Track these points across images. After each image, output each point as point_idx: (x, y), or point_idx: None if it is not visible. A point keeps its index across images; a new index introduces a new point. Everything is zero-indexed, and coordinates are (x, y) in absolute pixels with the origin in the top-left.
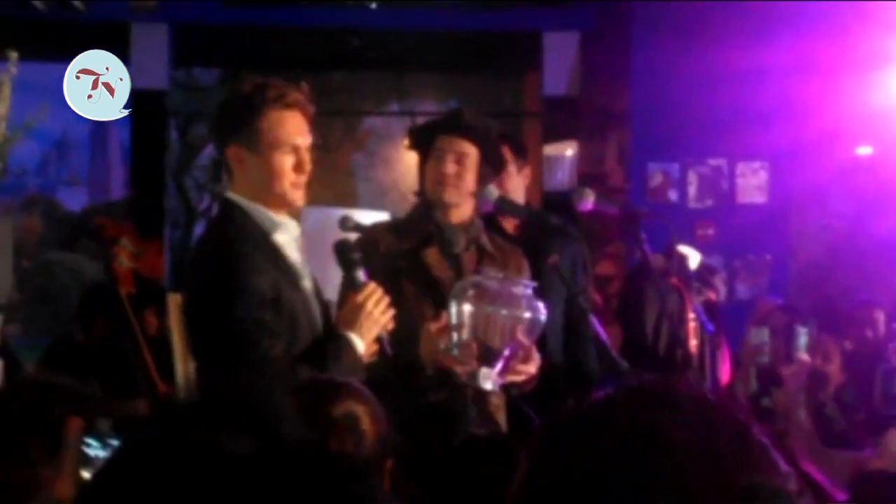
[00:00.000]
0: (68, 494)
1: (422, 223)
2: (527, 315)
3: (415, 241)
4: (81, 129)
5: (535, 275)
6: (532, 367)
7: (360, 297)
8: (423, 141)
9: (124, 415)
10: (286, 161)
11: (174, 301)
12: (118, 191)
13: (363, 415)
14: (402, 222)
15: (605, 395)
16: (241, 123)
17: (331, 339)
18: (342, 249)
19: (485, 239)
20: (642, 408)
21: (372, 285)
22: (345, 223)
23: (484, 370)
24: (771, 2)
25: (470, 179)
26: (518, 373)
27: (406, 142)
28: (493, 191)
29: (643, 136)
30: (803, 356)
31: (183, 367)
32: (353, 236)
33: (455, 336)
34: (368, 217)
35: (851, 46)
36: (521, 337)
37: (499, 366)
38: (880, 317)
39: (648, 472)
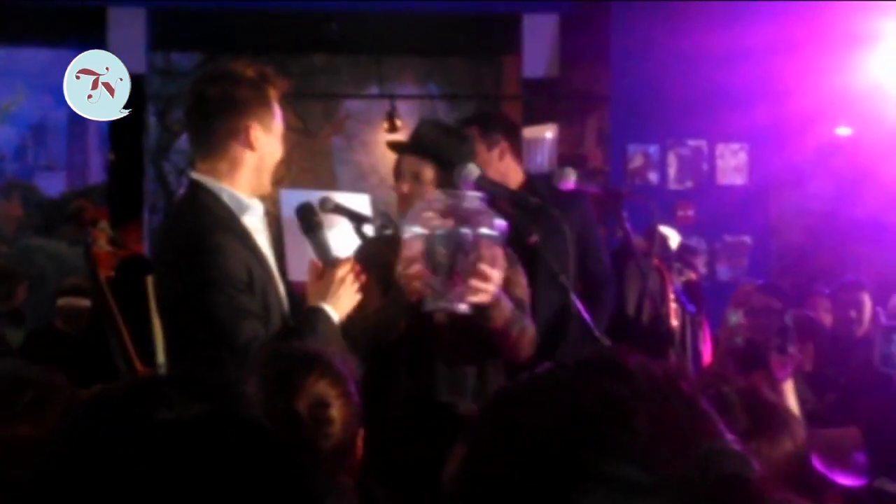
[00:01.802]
0: None
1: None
2: (482, 230)
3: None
4: (59, 113)
5: (518, 258)
6: (490, 286)
7: (340, 271)
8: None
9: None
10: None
11: (152, 283)
12: (97, 176)
13: (333, 399)
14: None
15: (557, 367)
16: (257, 104)
17: (304, 312)
18: (305, 213)
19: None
20: (596, 378)
21: (351, 261)
22: (324, 204)
23: (436, 289)
24: None
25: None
26: (476, 291)
27: (385, 125)
28: (474, 170)
29: (623, 118)
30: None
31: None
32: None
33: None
34: (348, 200)
35: (830, 26)
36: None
37: (452, 285)
38: (864, 298)
39: (606, 441)
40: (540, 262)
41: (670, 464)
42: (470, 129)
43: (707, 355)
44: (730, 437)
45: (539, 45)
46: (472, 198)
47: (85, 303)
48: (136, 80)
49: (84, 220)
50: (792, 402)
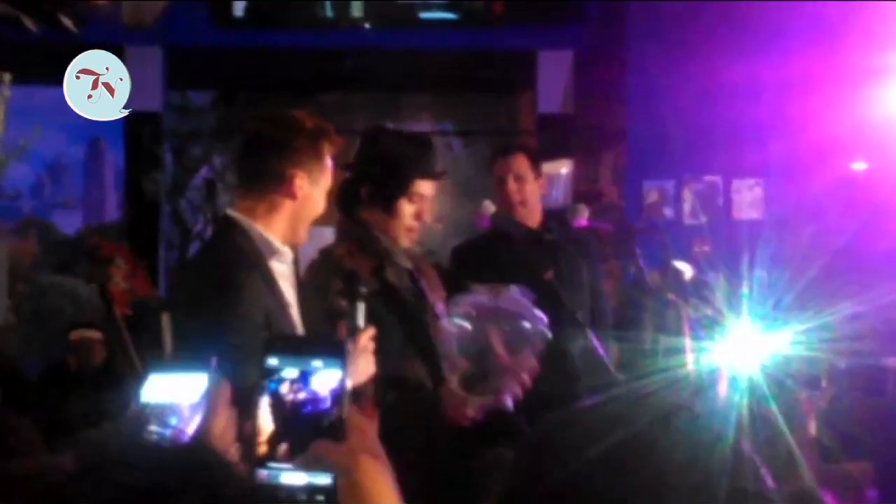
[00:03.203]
0: None
1: (366, 242)
2: (526, 325)
3: (372, 262)
4: (76, 151)
5: (532, 290)
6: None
7: (363, 340)
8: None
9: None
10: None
11: (167, 320)
12: (113, 213)
13: None
14: (349, 237)
15: (595, 404)
16: (309, 154)
17: None
18: (353, 281)
19: (414, 253)
20: (630, 417)
21: (372, 329)
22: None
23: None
24: (765, 18)
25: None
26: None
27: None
28: (490, 206)
29: (638, 154)
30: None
31: None
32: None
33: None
34: None
35: (845, 61)
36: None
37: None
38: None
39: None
40: (555, 298)
41: (691, 497)
42: (518, 156)
43: (722, 389)
44: (771, 484)
45: (554, 80)
46: (514, 295)
47: (97, 335)
48: (153, 118)
49: (100, 258)
50: (812, 435)
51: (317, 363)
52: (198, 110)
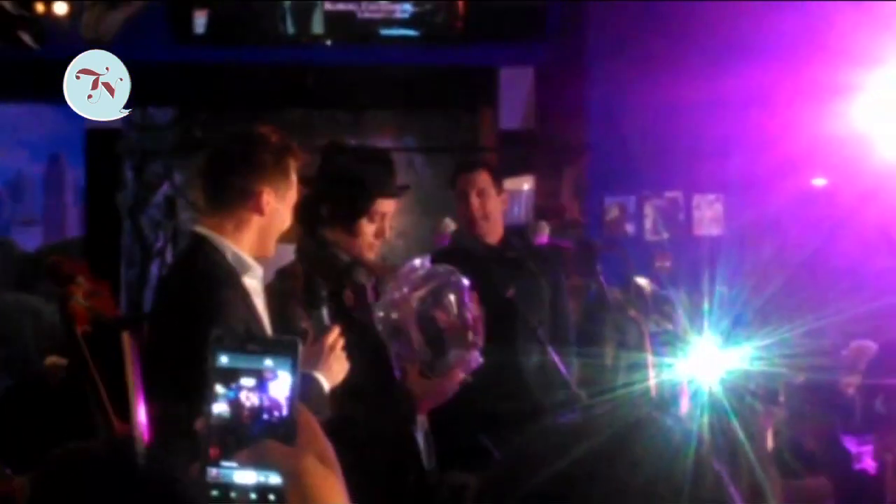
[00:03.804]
0: None
1: (326, 260)
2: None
3: (330, 281)
4: (36, 168)
5: (492, 308)
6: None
7: (329, 339)
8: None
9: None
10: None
11: (128, 340)
12: (74, 230)
13: None
14: (307, 256)
15: (559, 421)
16: (275, 170)
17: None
18: (313, 287)
19: (375, 264)
20: (595, 431)
21: (338, 328)
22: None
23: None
24: (726, 34)
25: None
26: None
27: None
28: (450, 224)
29: (599, 170)
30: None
31: (137, 406)
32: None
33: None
34: None
35: (806, 77)
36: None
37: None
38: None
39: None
40: (517, 315)
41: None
42: (480, 172)
43: (685, 405)
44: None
45: (515, 97)
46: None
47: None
48: (113, 135)
49: (60, 276)
50: (769, 449)
51: (268, 362)
52: (158, 127)
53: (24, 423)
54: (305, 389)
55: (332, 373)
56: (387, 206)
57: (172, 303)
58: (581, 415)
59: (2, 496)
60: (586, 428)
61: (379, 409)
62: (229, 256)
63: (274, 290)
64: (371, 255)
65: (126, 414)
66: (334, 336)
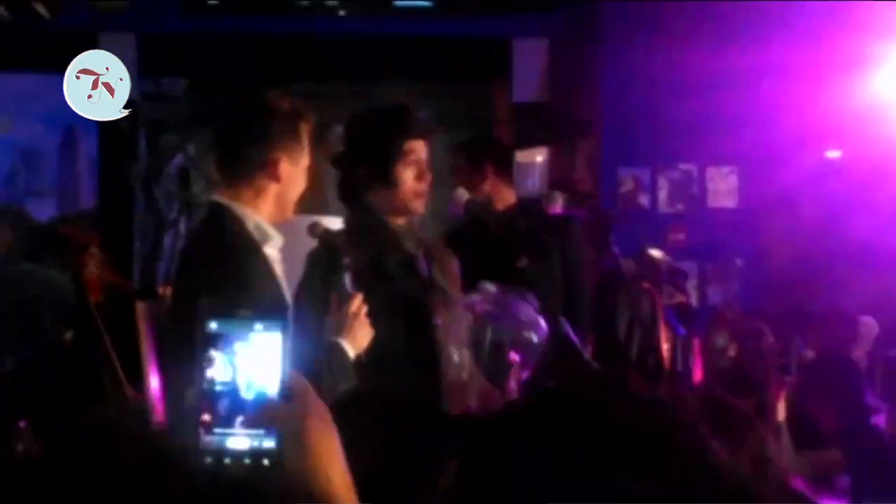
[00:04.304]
0: None
1: (374, 228)
2: (529, 336)
3: (373, 249)
4: (50, 139)
5: (504, 278)
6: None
7: (353, 306)
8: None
9: (94, 422)
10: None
11: (141, 309)
12: (87, 201)
13: None
14: (354, 229)
15: (561, 386)
16: (287, 137)
17: (322, 347)
18: (333, 252)
19: (429, 239)
20: (598, 400)
21: (360, 295)
22: (314, 230)
23: None
24: (741, 6)
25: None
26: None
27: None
28: (463, 193)
29: (613, 142)
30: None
31: (150, 375)
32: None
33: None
34: (339, 224)
35: (821, 50)
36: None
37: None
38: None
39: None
40: (527, 285)
41: (661, 473)
42: (458, 153)
43: (698, 377)
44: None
45: (529, 69)
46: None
47: None
48: (128, 106)
49: (73, 247)
50: (781, 420)
51: (258, 326)
52: (172, 97)
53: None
54: (330, 356)
55: (356, 339)
56: (418, 147)
57: (196, 272)
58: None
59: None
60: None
61: (412, 381)
62: (250, 226)
63: (316, 258)
64: (418, 205)
65: (139, 383)
66: (357, 303)
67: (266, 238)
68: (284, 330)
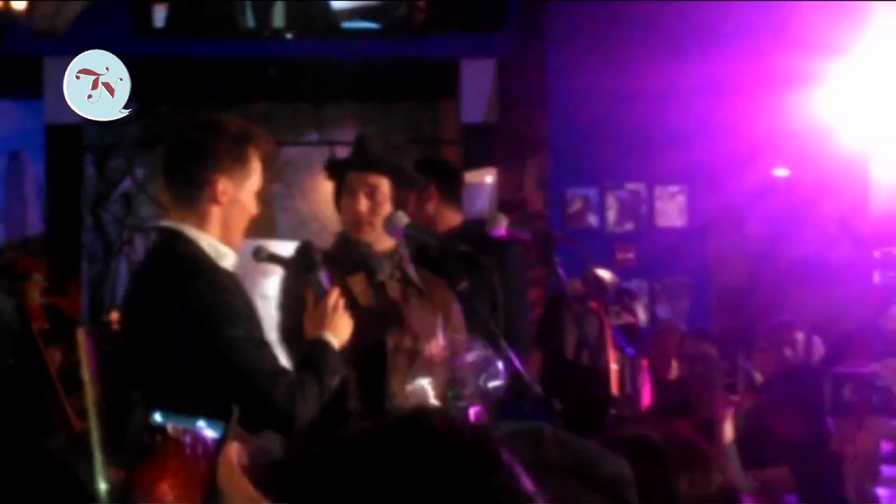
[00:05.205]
0: None
1: (346, 251)
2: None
3: (341, 269)
4: None
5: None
6: None
7: (331, 299)
8: (336, 176)
9: (41, 452)
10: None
11: (82, 335)
12: (35, 226)
13: None
14: (331, 250)
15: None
16: (232, 159)
17: (308, 345)
18: (306, 251)
19: (411, 269)
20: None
21: (338, 289)
22: (258, 253)
23: None
24: (687, 22)
25: (385, 211)
26: None
27: (325, 172)
28: (402, 218)
29: (561, 162)
30: (735, 397)
31: (94, 402)
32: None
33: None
34: (287, 248)
35: (767, 66)
36: None
37: None
38: (800, 336)
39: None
40: (469, 309)
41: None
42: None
43: (646, 397)
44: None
45: (477, 89)
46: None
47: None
48: (74, 130)
49: (16, 273)
50: (730, 439)
51: (200, 423)
52: (120, 122)
53: None
54: (323, 353)
55: (339, 331)
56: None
57: (159, 295)
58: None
59: None
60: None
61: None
62: (204, 244)
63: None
64: (363, 233)
65: (82, 413)
66: (335, 296)
67: (220, 256)
68: (225, 432)
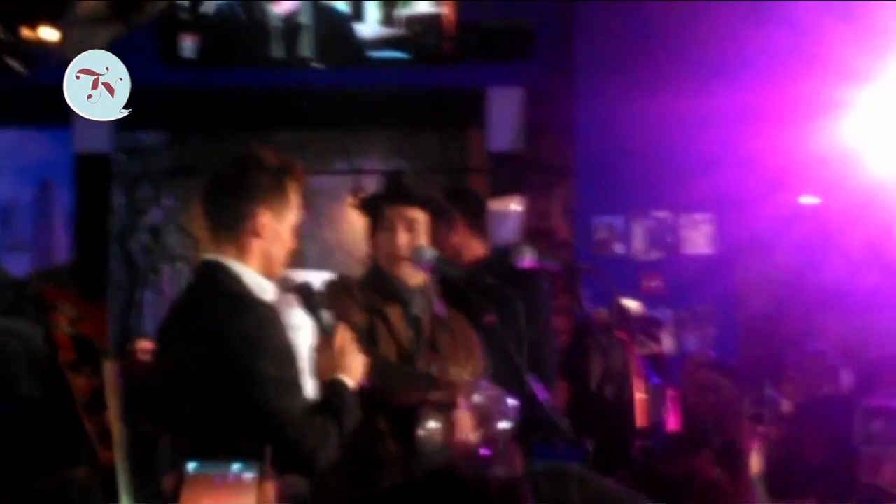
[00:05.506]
0: None
1: (382, 283)
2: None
3: (378, 299)
4: (25, 194)
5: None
6: None
7: (339, 339)
8: (371, 210)
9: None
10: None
11: (110, 368)
12: (62, 255)
13: None
14: (364, 280)
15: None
16: (272, 192)
17: (324, 387)
18: (305, 292)
19: (440, 305)
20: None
21: (344, 324)
22: (284, 283)
23: None
24: (715, 51)
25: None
26: None
27: (350, 200)
28: (429, 251)
29: (587, 191)
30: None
31: (120, 435)
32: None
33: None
34: (315, 277)
35: (794, 93)
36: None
37: None
38: (830, 365)
39: None
40: (495, 342)
41: None
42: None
43: (674, 426)
44: None
45: (504, 118)
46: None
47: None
48: (103, 160)
49: (43, 303)
50: (756, 471)
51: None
52: (148, 151)
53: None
54: (342, 396)
55: (352, 371)
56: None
57: (196, 330)
58: None
59: None
60: None
61: None
62: (246, 280)
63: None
64: (400, 267)
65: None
66: (341, 335)
67: (262, 290)
68: (261, 471)
